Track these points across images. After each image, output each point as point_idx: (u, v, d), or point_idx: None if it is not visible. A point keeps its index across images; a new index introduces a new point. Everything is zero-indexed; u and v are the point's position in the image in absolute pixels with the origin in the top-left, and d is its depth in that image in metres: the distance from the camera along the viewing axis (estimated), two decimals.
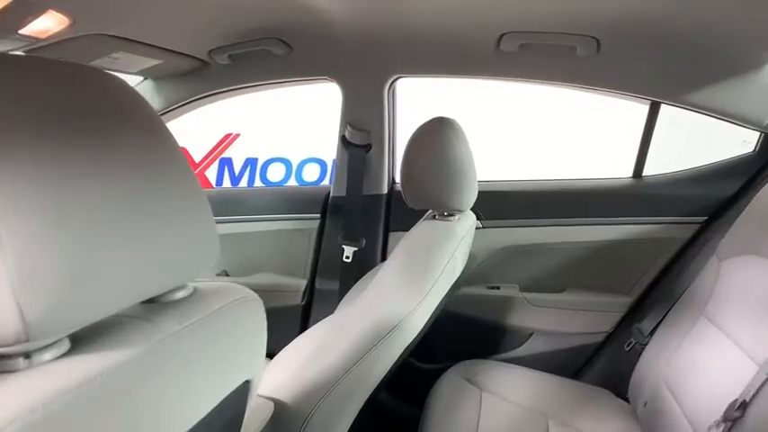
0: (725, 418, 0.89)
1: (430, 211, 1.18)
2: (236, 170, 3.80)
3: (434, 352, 1.58)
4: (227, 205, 1.69)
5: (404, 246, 1.06)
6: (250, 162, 3.77)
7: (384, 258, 1.57)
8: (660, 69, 1.29)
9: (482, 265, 1.55)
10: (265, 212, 1.67)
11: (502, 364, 1.45)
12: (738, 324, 1.02)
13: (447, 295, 1.12)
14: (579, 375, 1.53)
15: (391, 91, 1.50)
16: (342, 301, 1.31)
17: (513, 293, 1.55)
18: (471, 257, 1.40)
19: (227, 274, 1.72)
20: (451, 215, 1.13)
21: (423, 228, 1.11)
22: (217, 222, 0.47)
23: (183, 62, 1.39)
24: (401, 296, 0.95)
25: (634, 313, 1.47)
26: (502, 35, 1.23)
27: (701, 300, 1.17)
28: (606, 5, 1.04)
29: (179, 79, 1.53)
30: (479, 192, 1.18)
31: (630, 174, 1.52)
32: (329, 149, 1.66)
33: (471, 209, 1.20)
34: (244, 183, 3.78)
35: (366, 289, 1.02)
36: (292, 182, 3.74)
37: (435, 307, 1.03)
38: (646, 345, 1.29)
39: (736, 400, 0.89)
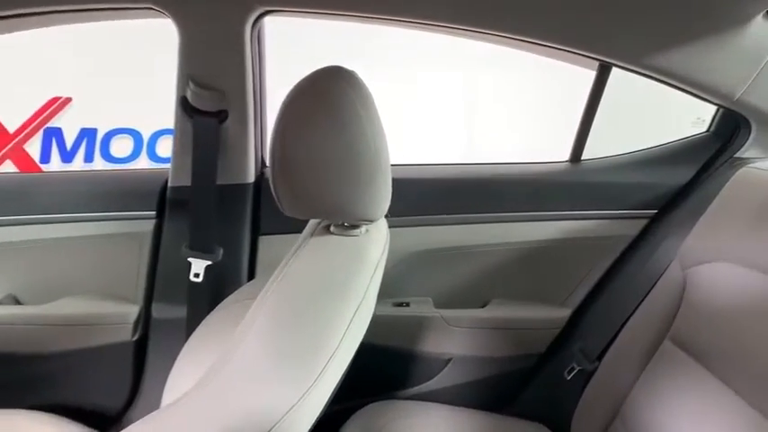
0: None
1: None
2: (69, 144, 3.15)
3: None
4: (10, 199, 1.15)
5: (281, 287, 0.62)
6: (87, 134, 3.16)
7: (252, 275, 1.15)
8: (619, 20, 1.00)
9: (387, 276, 1.18)
10: (74, 210, 1.15)
11: (415, 403, 1.16)
12: (730, 363, 0.81)
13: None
14: (508, 408, 1.25)
15: (256, 33, 1.04)
16: (194, 338, 0.86)
17: (425, 311, 1.22)
18: None
19: (17, 301, 1.18)
20: (356, 227, 0.72)
21: (312, 252, 0.68)
22: None
23: None
24: (277, 384, 0.54)
25: (573, 330, 1.22)
26: None
27: (664, 317, 0.94)
28: None
29: None
30: None
31: (567, 158, 1.24)
32: None
33: None
34: (79, 160, 3.14)
35: (221, 355, 0.59)
36: (144, 160, 3.14)
37: (336, 385, 0.63)
38: (593, 372, 1.06)
39: None
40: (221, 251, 1.09)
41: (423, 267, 1.22)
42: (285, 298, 0.61)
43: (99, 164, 3.12)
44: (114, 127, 3.09)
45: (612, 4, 0.97)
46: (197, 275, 1.07)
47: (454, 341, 1.22)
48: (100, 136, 3.10)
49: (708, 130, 1.21)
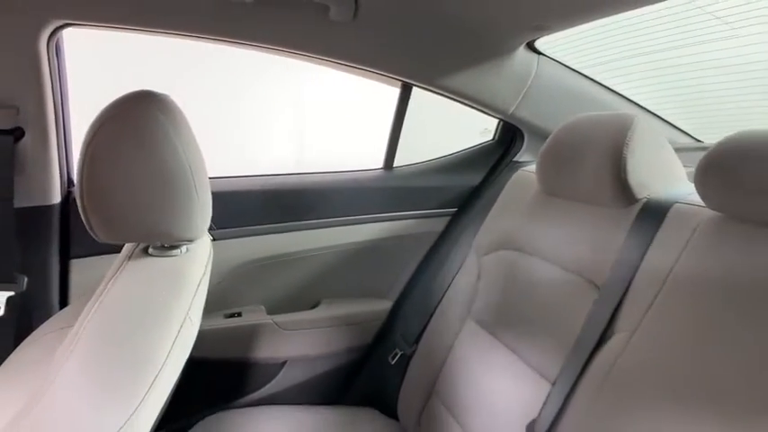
0: None
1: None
2: None
3: (164, 412, 1.16)
4: None
5: (98, 315, 0.61)
6: None
7: (65, 302, 1.06)
8: (415, 47, 1.14)
9: (216, 288, 1.19)
10: None
11: (253, 410, 1.16)
12: (515, 333, 0.95)
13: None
14: (343, 398, 1.34)
15: (53, 46, 0.97)
16: None
17: (258, 319, 1.24)
18: None
19: None
20: (175, 248, 0.73)
21: (128, 275, 0.67)
22: None
23: None
24: (98, 413, 0.53)
25: (395, 319, 1.34)
26: None
27: (465, 300, 1.09)
28: None
29: None
30: None
31: (381, 165, 1.36)
32: None
33: None
34: None
35: (36, 392, 0.56)
36: None
37: (164, 403, 0.64)
38: (412, 355, 1.18)
39: (536, 420, 0.81)
40: (25, 280, 0.99)
41: (252, 277, 1.24)
42: (104, 323, 0.59)
43: None
44: None
45: (410, 36, 1.10)
46: None
47: (288, 344, 1.27)
48: None
49: (493, 139, 1.42)
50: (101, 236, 0.65)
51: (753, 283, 0.63)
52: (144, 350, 0.58)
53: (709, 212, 0.73)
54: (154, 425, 0.62)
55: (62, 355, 0.57)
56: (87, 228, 0.64)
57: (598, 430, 0.72)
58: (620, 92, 1.29)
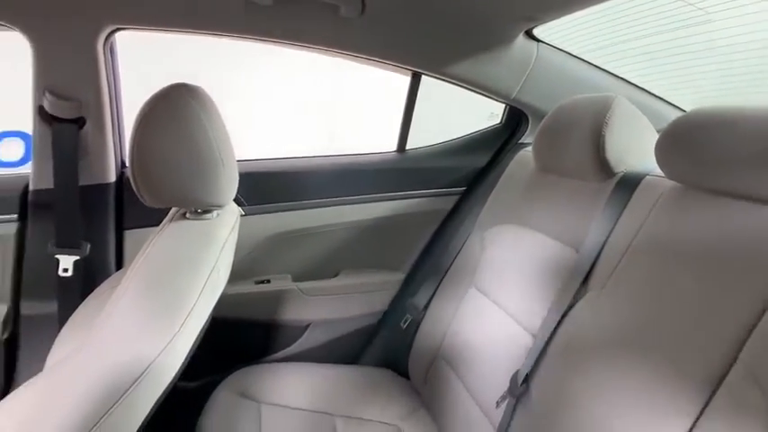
0: (510, 393, 0.91)
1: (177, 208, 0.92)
2: None
3: (201, 367, 1.32)
4: None
5: (145, 263, 0.78)
6: None
7: (120, 265, 1.24)
8: (422, 39, 1.25)
9: (247, 259, 1.34)
10: None
11: (279, 365, 1.31)
12: (508, 295, 1.06)
13: (212, 311, 0.89)
14: (360, 359, 1.48)
15: (108, 47, 1.14)
16: (66, 328, 0.95)
17: (285, 285, 1.40)
18: (235, 250, 1.19)
19: None
20: (208, 212, 0.88)
21: (169, 234, 0.84)
22: None
23: None
24: (145, 332, 0.69)
25: (408, 289, 1.46)
26: None
27: (469, 270, 1.20)
28: None
29: None
30: (240, 174, 0.94)
31: (395, 148, 1.48)
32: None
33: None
34: None
35: (96, 322, 0.73)
36: None
37: (197, 335, 0.80)
38: (421, 320, 1.30)
39: (518, 372, 0.91)
40: (88, 246, 1.17)
41: (280, 248, 1.39)
42: (149, 269, 0.76)
43: None
44: None
45: (414, 28, 1.22)
46: (66, 270, 1.15)
47: (311, 308, 1.42)
48: None
49: (500, 123, 1.52)
50: (148, 201, 0.81)
51: (704, 247, 0.70)
52: (180, 289, 0.74)
53: (673, 183, 0.82)
54: (189, 351, 0.78)
55: (116, 294, 0.73)
56: (137, 194, 0.81)
57: (564, 380, 0.81)
58: (619, 74, 1.36)
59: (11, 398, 0.75)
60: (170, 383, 0.74)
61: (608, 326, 0.78)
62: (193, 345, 0.80)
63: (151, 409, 0.72)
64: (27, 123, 1.13)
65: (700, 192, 0.76)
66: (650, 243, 0.80)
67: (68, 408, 0.63)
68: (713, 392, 0.60)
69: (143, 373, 0.66)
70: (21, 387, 0.73)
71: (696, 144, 0.73)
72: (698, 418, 0.60)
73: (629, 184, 0.90)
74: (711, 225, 0.71)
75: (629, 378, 0.70)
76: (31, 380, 0.70)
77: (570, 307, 0.88)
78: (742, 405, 0.56)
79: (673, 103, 1.34)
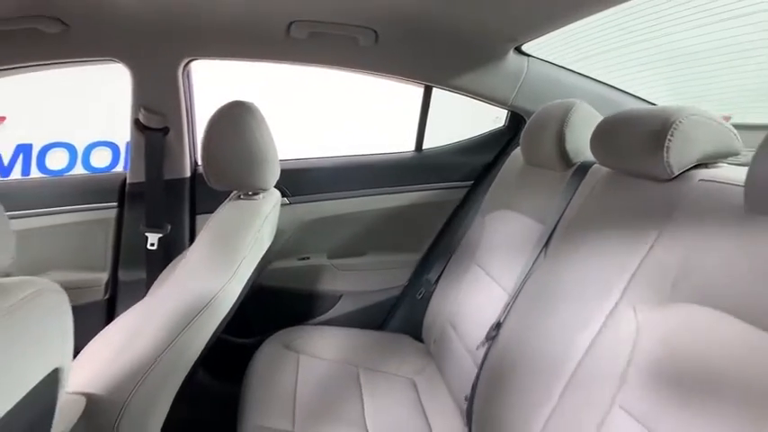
0: (486, 338, 1.13)
1: (235, 192, 1.23)
2: (6, 160, 3.24)
3: (251, 326, 1.64)
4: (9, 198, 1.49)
5: (210, 226, 1.09)
6: (22, 149, 3.25)
7: (192, 241, 1.55)
8: (430, 57, 1.51)
9: (291, 239, 1.64)
10: (50, 205, 1.50)
11: (316, 327, 1.58)
12: (498, 266, 1.28)
13: (257, 269, 1.18)
14: (383, 326, 1.73)
15: (186, 73, 1.47)
16: (151, 290, 1.28)
17: (321, 262, 1.68)
18: (280, 232, 1.47)
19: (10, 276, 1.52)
20: (256, 194, 1.19)
21: (228, 208, 1.16)
22: None
23: None
24: (210, 274, 0.99)
25: (423, 267, 1.71)
26: (291, 23, 1.31)
27: (472, 250, 1.43)
28: (382, 3, 1.19)
29: None
30: (285, 170, 1.25)
31: (413, 148, 1.74)
32: (123, 131, 1.56)
33: (277, 187, 1.27)
34: (17, 174, 3.27)
35: (175, 272, 1.04)
36: (79, 170, 3.35)
37: (246, 281, 1.10)
38: (433, 292, 1.53)
39: (493, 324, 1.13)
40: (169, 227, 1.50)
41: (318, 231, 1.67)
42: (211, 232, 1.08)
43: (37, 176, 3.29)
44: (50, 141, 3.23)
45: (419, 51, 1.48)
46: (153, 245, 1.48)
47: (343, 282, 1.69)
48: (35, 150, 3.23)
49: (504, 125, 1.75)
50: (213, 183, 1.13)
51: (622, 218, 0.91)
52: (233, 246, 1.05)
53: (606, 169, 1.03)
54: (240, 294, 1.07)
55: (191, 249, 1.05)
56: (206, 180, 1.13)
57: (523, 327, 1.02)
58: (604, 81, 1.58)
59: (112, 324, 1.07)
60: (226, 315, 1.03)
61: (552, 281, 1.01)
62: (241, 293, 1.09)
63: (209, 341, 0.99)
64: (113, 134, 1.47)
65: (622, 175, 0.98)
66: (584, 216, 1.03)
67: (160, 322, 0.91)
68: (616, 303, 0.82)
69: (208, 302, 0.95)
70: (129, 311, 1.06)
71: (611, 138, 0.96)
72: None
73: (581, 171, 1.13)
74: (622, 197, 0.94)
75: (567, 314, 0.92)
76: (123, 314, 1.01)
77: (531, 269, 1.10)
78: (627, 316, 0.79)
79: (645, 99, 1.54)
